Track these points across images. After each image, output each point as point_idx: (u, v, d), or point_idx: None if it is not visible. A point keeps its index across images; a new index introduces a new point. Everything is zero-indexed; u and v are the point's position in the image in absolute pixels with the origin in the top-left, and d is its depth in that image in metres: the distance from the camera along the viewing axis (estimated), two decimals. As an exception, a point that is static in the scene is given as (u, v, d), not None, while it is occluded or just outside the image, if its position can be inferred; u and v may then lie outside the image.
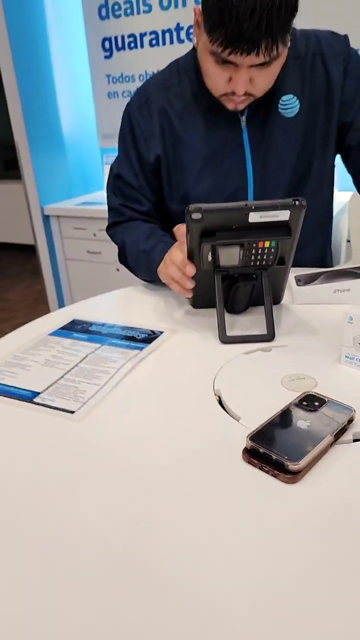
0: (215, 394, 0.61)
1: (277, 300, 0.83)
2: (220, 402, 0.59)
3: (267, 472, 0.47)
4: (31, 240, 2.64)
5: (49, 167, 2.52)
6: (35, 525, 0.43)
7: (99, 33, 2.38)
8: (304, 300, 0.85)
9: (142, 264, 0.96)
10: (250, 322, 0.79)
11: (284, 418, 0.52)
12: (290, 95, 0.94)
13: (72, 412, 0.58)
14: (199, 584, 0.36)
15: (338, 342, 0.66)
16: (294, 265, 1.04)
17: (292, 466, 0.46)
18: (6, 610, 0.35)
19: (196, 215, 0.67)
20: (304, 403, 0.55)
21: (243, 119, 0.94)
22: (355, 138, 0.95)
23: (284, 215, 0.67)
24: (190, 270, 0.74)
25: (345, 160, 1.01)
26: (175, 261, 0.80)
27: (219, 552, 0.39)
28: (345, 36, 0.95)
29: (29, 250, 3.12)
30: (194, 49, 0.93)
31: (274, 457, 0.47)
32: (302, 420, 0.52)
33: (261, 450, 0.48)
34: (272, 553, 0.39)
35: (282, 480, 0.46)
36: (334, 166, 1.03)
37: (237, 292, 0.78)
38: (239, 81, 0.81)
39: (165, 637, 0.33)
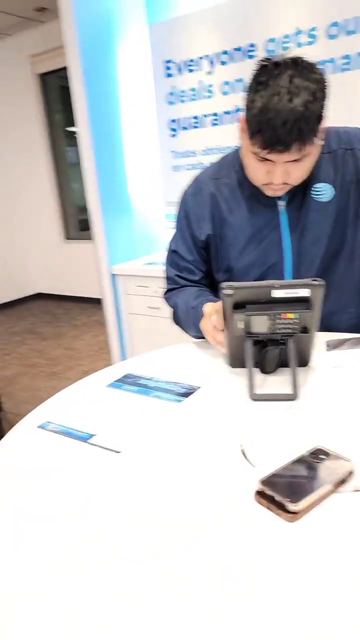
0: (240, 445, 0.71)
1: (304, 363, 0.93)
2: (243, 452, 0.69)
3: (272, 511, 0.56)
4: (99, 294, 2.90)
5: (118, 231, 2.80)
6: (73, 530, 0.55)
7: (167, 115, 2.70)
8: (331, 363, 0.94)
9: (190, 320, 1.10)
10: (279, 382, 0.89)
11: (293, 466, 0.62)
12: (324, 184, 1.08)
13: (118, 452, 0.71)
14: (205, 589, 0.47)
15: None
16: (329, 331, 1.15)
17: (292, 507, 0.55)
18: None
19: (228, 292, 0.81)
20: (313, 455, 0.64)
21: (281, 203, 1.09)
22: None
23: (304, 292, 0.79)
24: (219, 324, 0.91)
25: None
26: (207, 315, 0.96)
27: (221, 569, 0.49)
28: None
29: (97, 303, 3.40)
30: (238, 149, 1.11)
31: (277, 498, 0.56)
32: (309, 469, 0.61)
33: (268, 492, 0.57)
34: (266, 574, 0.48)
35: (283, 518, 0.55)
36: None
37: (267, 355, 0.89)
38: (275, 174, 0.97)
39: None
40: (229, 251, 1.14)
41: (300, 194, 1.07)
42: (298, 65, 0.88)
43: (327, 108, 0.92)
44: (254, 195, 1.09)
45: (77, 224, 5.22)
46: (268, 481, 0.59)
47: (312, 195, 1.07)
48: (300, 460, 0.63)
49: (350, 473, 0.61)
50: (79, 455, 0.71)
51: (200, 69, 2.52)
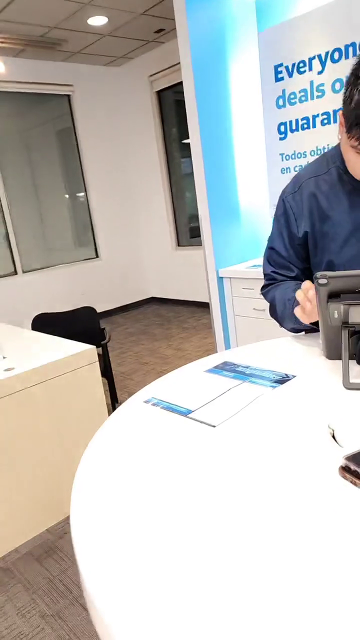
0: (329, 427, 0.73)
1: None
2: (332, 434, 0.72)
3: (356, 485, 0.58)
4: (207, 298, 3.01)
5: (226, 236, 2.89)
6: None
7: (276, 119, 2.72)
8: None
9: (287, 311, 1.13)
10: (378, 373, 0.89)
11: None
12: None
13: (214, 426, 0.77)
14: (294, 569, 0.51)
15: None
16: None
17: (375, 482, 0.56)
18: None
19: (322, 281, 0.83)
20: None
21: (382, 197, 1.07)
22: None
23: None
24: (312, 294, 0.93)
25: None
26: (303, 286, 0.98)
27: (310, 544, 0.53)
28: None
29: (206, 307, 3.53)
30: (339, 144, 1.11)
31: (361, 473, 0.58)
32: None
33: (353, 467, 0.59)
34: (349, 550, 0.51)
35: (366, 493, 0.57)
36: None
37: (365, 346, 0.89)
38: None
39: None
40: (330, 246, 1.14)
41: None
42: None
43: None
44: (356, 190, 1.09)
45: (188, 232, 5.44)
46: (353, 457, 0.61)
47: None
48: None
49: None
50: (179, 428, 0.79)
51: (311, 69, 2.51)
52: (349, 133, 0.94)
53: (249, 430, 0.76)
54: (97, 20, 3.98)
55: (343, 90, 0.95)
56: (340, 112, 0.98)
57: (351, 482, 0.59)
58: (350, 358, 0.90)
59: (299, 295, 0.99)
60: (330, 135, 2.52)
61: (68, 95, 5.03)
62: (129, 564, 0.52)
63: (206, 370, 1.01)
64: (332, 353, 0.96)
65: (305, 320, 1.03)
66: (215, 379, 0.96)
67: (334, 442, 0.69)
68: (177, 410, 0.84)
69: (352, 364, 0.92)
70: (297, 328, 1.16)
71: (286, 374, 0.94)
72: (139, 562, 0.52)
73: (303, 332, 1.22)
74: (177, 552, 0.52)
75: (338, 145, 1.14)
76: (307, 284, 0.99)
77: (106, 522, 0.59)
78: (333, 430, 0.73)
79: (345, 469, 0.60)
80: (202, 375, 0.99)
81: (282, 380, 0.91)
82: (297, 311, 1.03)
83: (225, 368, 1.00)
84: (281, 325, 1.22)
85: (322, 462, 0.64)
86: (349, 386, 0.84)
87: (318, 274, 0.83)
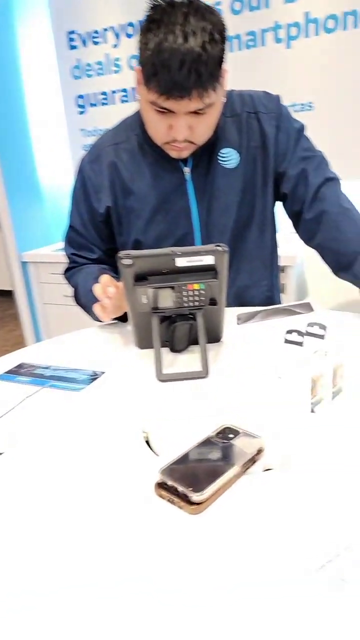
0: (143, 432, 0.63)
1: (216, 338, 0.87)
2: (147, 440, 0.62)
3: (174, 504, 0.49)
4: (10, 285, 2.69)
5: (27, 215, 2.60)
6: None
7: (73, 91, 2.53)
8: (243, 337, 0.89)
9: (90, 303, 1.00)
10: (190, 360, 0.83)
11: (198, 450, 0.55)
12: (230, 149, 1.02)
13: (1, 453, 0.60)
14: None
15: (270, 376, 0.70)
16: (241, 305, 1.10)
17: (196, 497, 0.48)
18: None
19: (127, 262, 0.72)
20: (220, 434, 0.58)
21: (187, 169, 1.01)
22: (288, 186, 1.02)
23: (208, 259, 0.72)
24: (111, 291, 0.83)
25: (283, 205, 1.08)
26: (100, 281, 0.87)
27: (123, 571, 0.41)
28: (278, 96, 1.04)
29: (10, 295, 3.18)
30: (139, 111, 1.01)
31: (179, 489, 0.49)
32: (214, 452, 0.55)
33: (169, 483, 0.50)
34: (172, 578, 0.41)
35: (186, 511, 0.48)
36: (274, 212, 1.10)
37: (176, 332, 0.82)
38: (177, 127, 0.88)
39: None
40: (135, 224, 1.05)
41: (205, 159, 1.01)
42: (193, 4, 0.80)
43: (227, 60, 0.85)
44: (158, 161, 1.01)
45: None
46: (169, 470, 0.52)
47: (219, 161, 1.01)
48: (206, 442, 0.56)
49: (260, 451, 0.55)
50: None
51: (106, 42, 2.38)
52: (148, 85, 0.84)
53: (47, 451, 0.61)
54: None
55: (137, 39, 0.84)
56: (137, 67, 0.88)
57: (168, 500, 0.50)
58: (163, 346, 0.83)
59: (96, 290, 0.87)
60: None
61: None
62: None
63: (-4, 377, 0.82)
64: (144, 342, 0.87)
65: (105, 318, 0.91)
66: (9, 387, 0.77)
67: (149, 450, 0.60)
68: None
69: (166, 352, 0.84)
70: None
71: (94, 372, 0.81)
72: None
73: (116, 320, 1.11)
74: None
75: (138, 113, 1.04)
76: (104, 278, 0.87)
77: None
78: (147, 435, 0.63)
79: (161, 486, 0.51)
80: (-9, 385, 0.79)
81: (90, 378, 0.78)
82: (96, 309, 0.91)
83: (21, 372, 0.83)
84: (87, 313, 1.09)
85: (135, 478, 0.54)
86: (162, 378, 0.76)
87: (121, 253, 0.72)
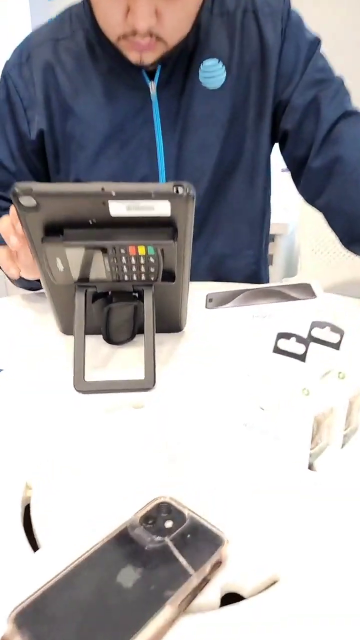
0: (23, 495, 0.37)
1: (174, 326, 0.61)
2: (27, 511, 0.36)
3: None
4: None
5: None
6: None
7: None
8: (213, 326, 0.63)
9: None
10: (135, 358, 0.56)
11: (96, 562, 0.29)
12: (215, 61, 0.73)
13: None
14: None
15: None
16: (217, 280, 0.84)
17: None
18: None
19: (27, 201, 0.44)
20: (149, 522, 0.32)
21: (153, 86, 0.73)
22: (292, 120, 0.74)
23: (162, 207, 0.44)
24: (13, 242, 0.55)
25: (281, 148, 0.80)
26: (10, 211, 0.57)
27: None
28: None
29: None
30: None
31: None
32: (132, 566, 0.29)
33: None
34: None
35: None
36: (269, 156, 0.82)
37: (112, 317, 0.55)
38: (138, 11, 0.59)
39: None
40: (77, 157, 0.76)
41: (180, 72, 0.72)
42: None
43: None
44: (113, 71, 0.72)
45: None
46: (26, 616, 0.26)
47: (199, 77, 0.73)
48: (119, 539, 0.30)
49: (217, 564, 0.30)
50: None
51: None
52: None
53: None
54: None
55: None
56: None
57: None
58: (94, 333, 0.56)
59: (1, 224, 0.57)
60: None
61: None
62: None
63: None
64: (68, 326, 0.60)
65: (14, 274, 0.63)
66: None
67: (22, 531, 0.34)
68: None
69: (100, 343, 0.58)
70: (28, 287, 0.77)
71: (-16, 368, 0.54)
72: None
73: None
74: None
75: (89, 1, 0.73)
76: (11, 212, 0.58)
77: None
78: (29, 494, 0.37)
79: (8, 650, 0.25)
80: None
81: (-27, 381, 0.51)
82: (1, 255, 0.63)
83: None
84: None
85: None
86: (82, 387, 0.49)
87: (18, 185, 0.43)
